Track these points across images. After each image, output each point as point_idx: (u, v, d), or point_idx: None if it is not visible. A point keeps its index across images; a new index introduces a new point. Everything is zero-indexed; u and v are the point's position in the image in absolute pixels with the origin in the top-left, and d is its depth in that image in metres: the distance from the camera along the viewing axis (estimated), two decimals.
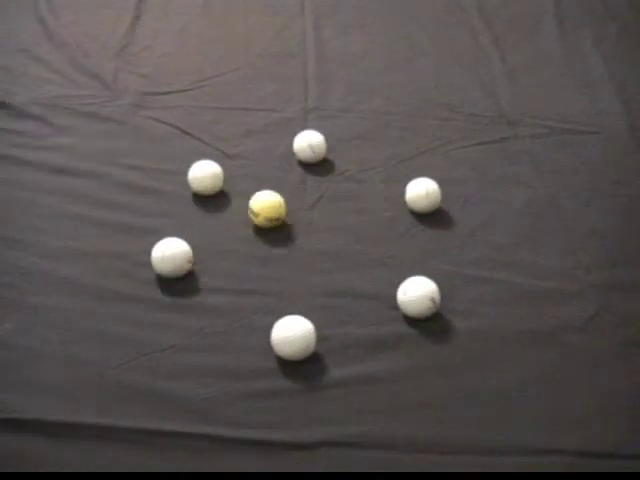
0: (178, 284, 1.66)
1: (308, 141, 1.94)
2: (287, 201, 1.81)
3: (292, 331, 1.51)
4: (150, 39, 2.35)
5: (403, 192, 1.85)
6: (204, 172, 1.86)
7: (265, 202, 1.78)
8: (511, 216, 1.85)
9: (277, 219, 1.77)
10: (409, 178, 1.86)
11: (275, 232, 1.78)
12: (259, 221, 1.77)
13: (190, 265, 1.67)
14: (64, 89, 2.15)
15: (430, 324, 1.60)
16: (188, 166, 1.87)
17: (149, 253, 1.66)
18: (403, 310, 1.60)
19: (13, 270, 1.67)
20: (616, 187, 1.93)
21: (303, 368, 1.51)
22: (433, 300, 1.59)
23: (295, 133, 1.98)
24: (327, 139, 1.97)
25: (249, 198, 1.81)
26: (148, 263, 1.66)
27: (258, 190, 1.83)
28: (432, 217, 1.83)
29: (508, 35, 2.41)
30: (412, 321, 1.60)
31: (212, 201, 1.86)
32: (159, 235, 1.72)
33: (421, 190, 1.83)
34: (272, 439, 1.40)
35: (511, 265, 1.73)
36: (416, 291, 1.59)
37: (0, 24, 2.38)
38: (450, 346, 1.57)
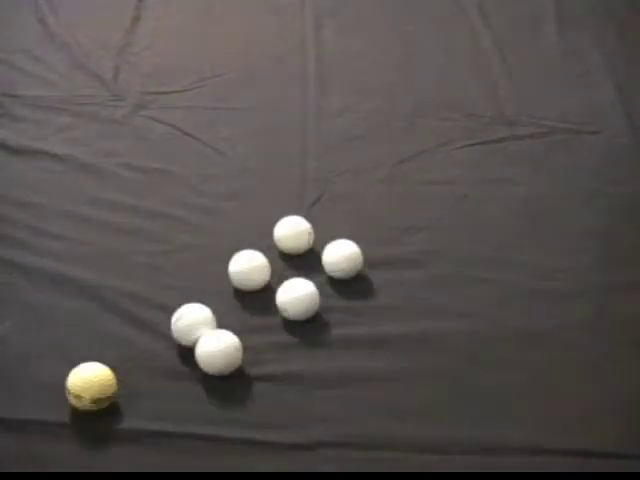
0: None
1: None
2: (287, 201, 1.81)
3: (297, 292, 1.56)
4: (150, 39, 2.34)
5: (403, 192, 1.85)
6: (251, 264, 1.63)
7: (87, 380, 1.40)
8: (511, 216, 1.85)
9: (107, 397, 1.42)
10: (409, 178, 1.86)
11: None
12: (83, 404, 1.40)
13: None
14: (64, 89, 2.15)
15: (430, 324, 1.59)
16: (188, 166, 1.87)
17: (148, 253, 1.66)
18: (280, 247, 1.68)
19: (13, 269, 1.67)
20: (616, 187, 1.92)
21: (302, 368, 1.51)
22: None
23: (295, 133, 1.98)
24: (327, 139, 1.97)
25: (250, 198, 1.80)
26: (147, 263, 1.66)
27: (258, 190, 1.83)
28: (431, 217, 1.83)
29: (508, 35, 2.40)
30: (412, 321, 1.60)
31: (212, 201, 1.86)
32: (159, 235, 1.72)
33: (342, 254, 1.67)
34: (271, 439, 1.40)
35: (511, 265, 1.72)
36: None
37: (0, 24, 2.38)
38: (450, 346, 1.57)
